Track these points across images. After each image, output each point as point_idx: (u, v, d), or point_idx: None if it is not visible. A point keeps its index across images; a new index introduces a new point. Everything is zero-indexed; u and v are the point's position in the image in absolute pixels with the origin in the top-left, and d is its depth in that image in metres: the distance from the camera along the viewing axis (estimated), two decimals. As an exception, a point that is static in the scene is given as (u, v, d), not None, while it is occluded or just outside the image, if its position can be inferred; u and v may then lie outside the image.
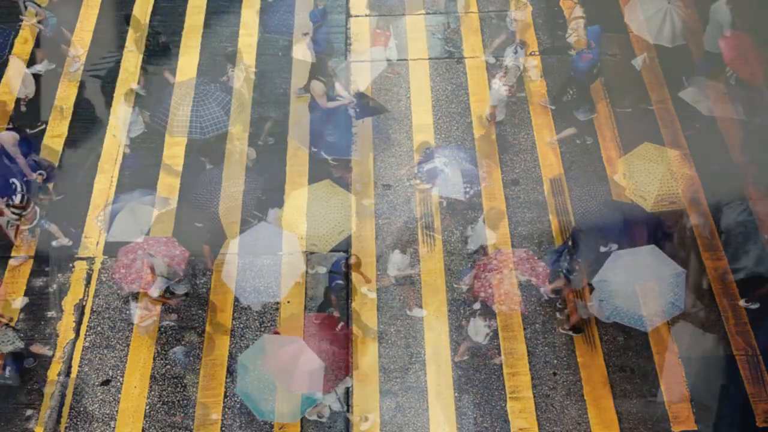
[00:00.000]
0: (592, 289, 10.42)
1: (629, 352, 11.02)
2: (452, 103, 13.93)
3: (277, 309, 11.45)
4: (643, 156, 11.34)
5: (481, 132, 13.40)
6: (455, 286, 11.55)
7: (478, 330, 10.29)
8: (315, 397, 9.35)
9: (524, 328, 11.20)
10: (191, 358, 10.93)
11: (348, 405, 10.48)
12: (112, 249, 11.94)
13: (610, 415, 10.48)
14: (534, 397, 10.63)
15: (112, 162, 13.01)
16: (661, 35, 13.03)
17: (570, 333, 11.10)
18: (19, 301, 11.39)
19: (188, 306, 11.45)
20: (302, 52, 13.07)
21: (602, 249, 10.68)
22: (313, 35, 13.17)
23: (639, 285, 9.74)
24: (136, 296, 11.03)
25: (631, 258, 9.98)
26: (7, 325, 10.21)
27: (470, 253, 11.85)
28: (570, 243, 11.09)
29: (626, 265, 9.92)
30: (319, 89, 12.14)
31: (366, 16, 15.35)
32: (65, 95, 13.93)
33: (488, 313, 10.51)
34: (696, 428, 10.36)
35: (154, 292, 10.71)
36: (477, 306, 10.97)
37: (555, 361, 10.93)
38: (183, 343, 11.06)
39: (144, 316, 11.00)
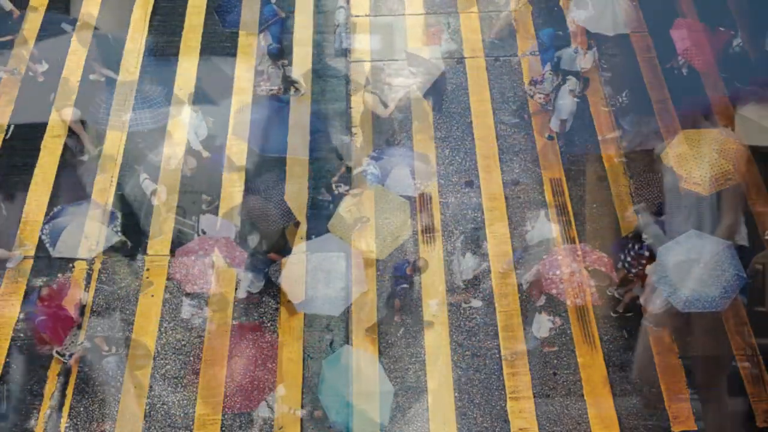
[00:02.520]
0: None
1: (629, 352, 11.01)
2: (452, 103, 13.92)
3: (277, 309, 11.45)
4: (685, 143, 11.41)
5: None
6: (521, 282, 11.57)
7: (541, 325, 10.37)
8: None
9: (524, 329, 11.19)
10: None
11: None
12: (112, 249, 11.99)
13: (610, 415, 10.48)
14: (534, 397, 10.62)
15: (113, 162, 13.01)
16: (599, 24, 13.30)
17: (626, 315, 11.17)
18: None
19: (188, 306, 11.46)
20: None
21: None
22: (267, 31, 13.39)
23: (699, 269, 9.77)
24: (190, 295, 11.25)
25: (678, 247, 10.01)
26: (79, 326, 10.27)
27: (528, 248, 11.77)
28: (632, 236, 11.08)
29: (677, 255, 9.95)
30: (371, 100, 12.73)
31: (366, 16, 15.34)
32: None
33: (552, 308, 10.58)
34: (696, 428, 10.36)
35: (241, 293, 11.13)
36: (542, 302, 10.84)
37: (555, 361, 10.93)
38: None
39: (195, 314, 11.18)
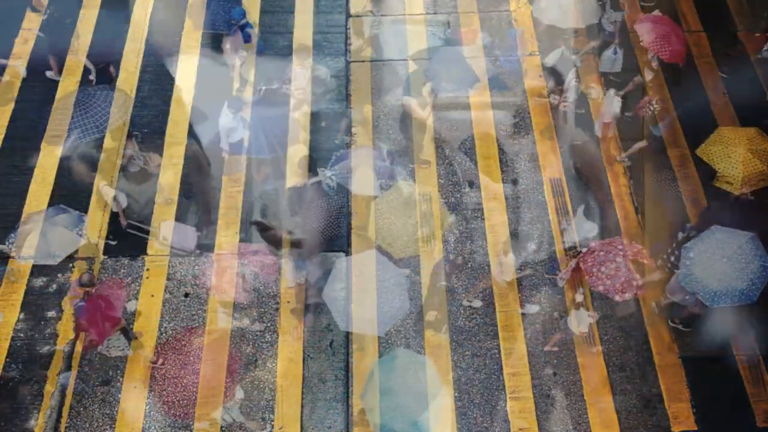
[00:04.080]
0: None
1: (629, 352, 11.02)
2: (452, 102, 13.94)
3: (277, 309, 11.46)
4: (719, 142, 11.41)
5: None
6: (550, 277, 11.62)
7: (581, 320, 10.39)
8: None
9: (524, 328, 11.20)
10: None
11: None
12: (112, 249, 11.99)
13: (610, 415, 10.49)
14: (534, 397, 10.63)
15: (112, 162, 13.01)
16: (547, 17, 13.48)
17: (680, 327, 11.15)
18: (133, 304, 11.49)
19: (188, 307, 11.46)
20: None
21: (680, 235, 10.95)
22: (235, 32, 13.30)
23: (722, 264, 9.82)
24: (223, 303, 11.27)
25: (702, 244, 10.04)
26: (124, 330, 10.29)
27: (564, 244, 11.83)
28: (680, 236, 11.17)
29: (701, 252, 9.98)
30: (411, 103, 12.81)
31: (366, 16, 15.35)
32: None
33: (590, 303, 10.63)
34: (696, 428, 10.36)
35: (290, 283, 11.13)
36: (579, 299, 10.84)
37: (555, 361, 10.93)
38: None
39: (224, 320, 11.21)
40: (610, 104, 12.43)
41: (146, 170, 12.72)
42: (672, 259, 11.02)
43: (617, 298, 10.12)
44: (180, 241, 11.88)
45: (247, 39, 13.50)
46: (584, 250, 10.74)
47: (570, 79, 13.13)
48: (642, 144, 12.80)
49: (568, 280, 11.36)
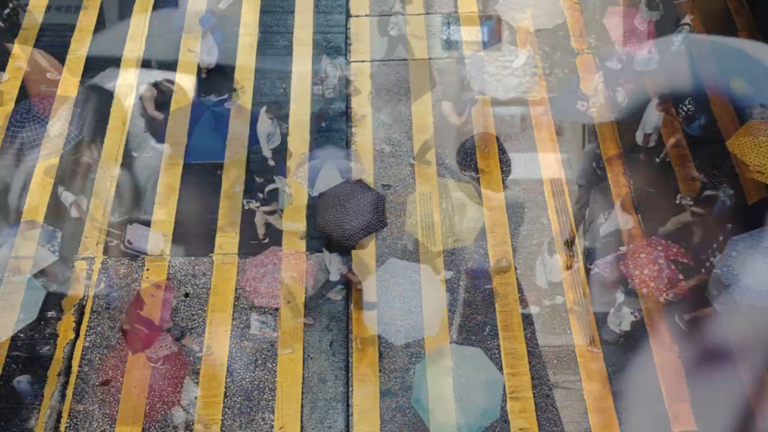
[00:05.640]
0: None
1: (629, 352, 11.02)
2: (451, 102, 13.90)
3: (277, 309, 11.45)
4: (749, 133, 11.54)
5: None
6: (594, 269, 11.51)
7: (623, 318, 10.49)
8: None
9: (524, 328, 11.20)
10: (35, 389, 10.69)
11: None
12: (112, 249, 12.00)
13: (610, 415, 10.48)
14: (534, 397, 10.62)
15: (112, 161, 13.01)
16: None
17: (682, 326, 11.16)
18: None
19: (188, 307, 11.46)
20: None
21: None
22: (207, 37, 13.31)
23: (762, 263, 9.93)
24: (256, 308, 11.23)
25: (749, 239, 10.18)
26: (168, 330, 10.32)
27: (598, 241, 11.78)
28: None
29: (744, 246, 10.12)
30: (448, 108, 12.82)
31: (366, 16, 15.35)
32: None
33: (632, 300, 10.68)
34: (696, 428, 10.35)
35: (334, 276, 10.96)
36: (621, 298, 10.80)
37: (555, 361, 10.93)
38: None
39: (265, 330, 11.15)
40: (651, 115, 12.23)
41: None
42: (712, 258, 11.04)
43: (661, 299, 10.32)
44: (137, 242, 11.88)
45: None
46: (623, 248, 10.88)
47: (597, 83, 12.94)
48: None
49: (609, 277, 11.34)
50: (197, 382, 10.72)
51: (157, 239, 12.01)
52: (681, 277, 10.35)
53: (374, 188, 12.27)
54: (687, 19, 13.52)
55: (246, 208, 11.97)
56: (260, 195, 11.84)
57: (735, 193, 11.46)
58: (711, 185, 11.72)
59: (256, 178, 12.57)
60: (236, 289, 11.57)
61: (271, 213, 11.84)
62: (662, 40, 13.68)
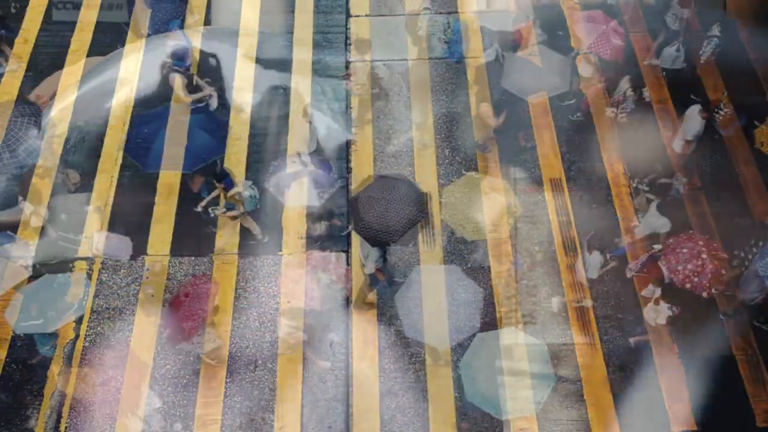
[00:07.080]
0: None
1: (629, 352, 11.02)
2: (452, 102, 13.93)
3: (277, 309, 11.46)
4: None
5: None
6: (614, 259, 11.56)
7: (659, 313, 10.54)
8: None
9: (524, 328, 11.19)
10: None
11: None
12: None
13: (610, 415, 10.49)
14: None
15: (112, 162, 13.02)
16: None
17: (730, 317, 11.19)
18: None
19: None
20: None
21: None
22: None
23: None
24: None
25: None
26: (212, 323, 10.36)
27: (635, 239, 11.76)
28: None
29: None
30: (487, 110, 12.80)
31: (366, 16, 15.35)
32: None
33: (668, 295, 10.70)
34: (696, 428, 10.35)
35: (370, 269, 10.96)
36: (658, 293, 10.80)
37: (555, 361, 10.93)
38: None
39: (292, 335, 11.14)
40: (693, 122, 12.03)
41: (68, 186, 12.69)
42: (749, 255, 11.09)
43: (704, 294, 10.37)
44: (113, 250, 11.87)
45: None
46: (656, 247, 10.93)
47: (624, 89, 12.80)
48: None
49: (641, 275, 11.33)
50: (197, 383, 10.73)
51: (126, 244, 11.89)
52: (723, 272, 10.42)
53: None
54: (715, 30, 13.40)
55: (212, 215, 11.84)
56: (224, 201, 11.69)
57: None
58: None
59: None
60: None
61: (235, 218, 11.83)
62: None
